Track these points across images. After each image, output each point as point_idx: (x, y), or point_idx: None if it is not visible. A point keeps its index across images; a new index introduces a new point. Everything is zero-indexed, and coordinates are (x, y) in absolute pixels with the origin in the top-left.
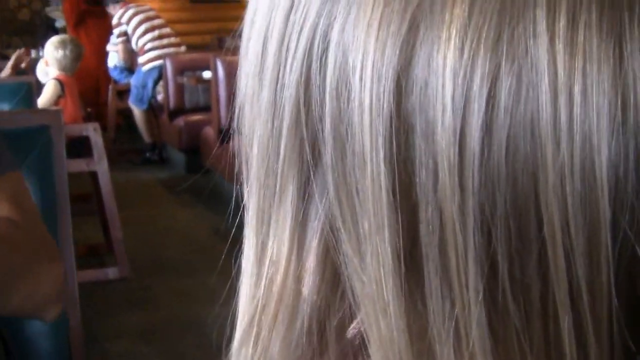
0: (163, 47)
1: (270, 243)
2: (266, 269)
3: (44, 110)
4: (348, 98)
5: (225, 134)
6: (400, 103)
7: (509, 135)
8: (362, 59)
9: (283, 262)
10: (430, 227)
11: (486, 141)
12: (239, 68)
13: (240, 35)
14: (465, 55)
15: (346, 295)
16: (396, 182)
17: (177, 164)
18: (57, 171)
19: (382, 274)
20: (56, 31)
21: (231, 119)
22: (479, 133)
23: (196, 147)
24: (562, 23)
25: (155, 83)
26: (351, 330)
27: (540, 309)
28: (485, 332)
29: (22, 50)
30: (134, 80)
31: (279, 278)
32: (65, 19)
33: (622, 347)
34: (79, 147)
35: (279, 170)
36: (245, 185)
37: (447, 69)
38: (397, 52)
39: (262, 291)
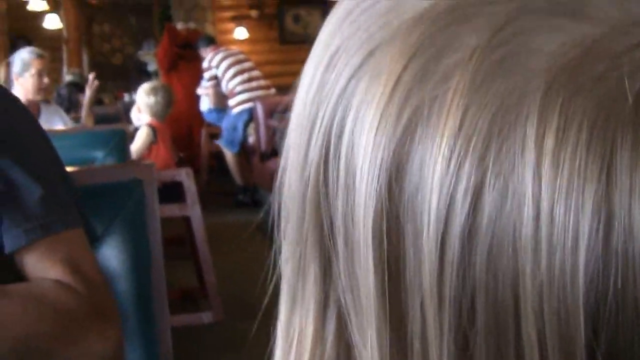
0: (252, 89)
1: (296, 320)
2: (294, 347)
3: (137, 164)
4: (353, 188)
5: None
6: (392, 204)
7: (490, 249)
8: (363, 155)
9: (309, 344)
10: (414, 325)
11: (466, 252)
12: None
13: None
14: (452, 166)
15: None
16: (385, 278)
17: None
18: (150, 224)
19: None
20: (148, 75)
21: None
22: (459, 244)
23: None
24: (550, 140)
25: (246, 125)
26: None
27: None
28: None
29: (93, 87)
30: (224, 123)
31: None
32: (158, 64)
33: None
34: (172, 191)
35: (304, 248)
36: (282, 252)
37: (435, 176)
38: (390, 154)
39: None
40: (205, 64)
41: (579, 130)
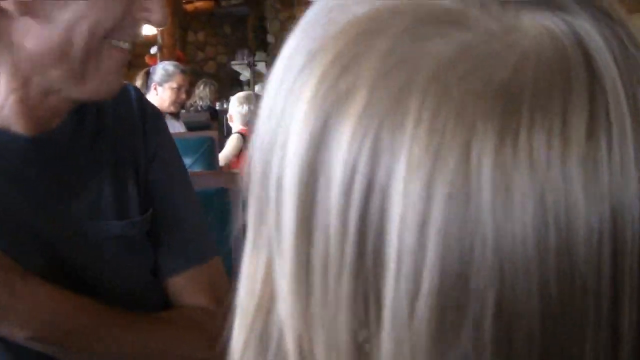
0: None
1: (255, 261)
2: (253, 284)
3: (223, 173)
4: (285, 150)
5: None
6: (312, 162)
7: (383, 196)
8: (296, 127)
9: (259, 283)
10: (318, 257)
11: (366, 197)
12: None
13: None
14: (359, 132)
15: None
16: (300, 216)
17: None
18: (234, 233)
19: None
20: (240, 84)
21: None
22: (361, 190)
23: None
24: (426, 122)
25: None
26: None
27: None
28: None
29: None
30: None
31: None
32: None
33: None
34: None
35: (263, 198)
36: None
37: (345, 138)
38: (318, 124)
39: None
40: None
41: (447, 117)
